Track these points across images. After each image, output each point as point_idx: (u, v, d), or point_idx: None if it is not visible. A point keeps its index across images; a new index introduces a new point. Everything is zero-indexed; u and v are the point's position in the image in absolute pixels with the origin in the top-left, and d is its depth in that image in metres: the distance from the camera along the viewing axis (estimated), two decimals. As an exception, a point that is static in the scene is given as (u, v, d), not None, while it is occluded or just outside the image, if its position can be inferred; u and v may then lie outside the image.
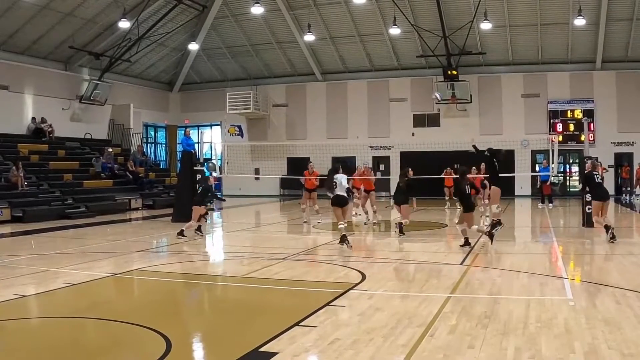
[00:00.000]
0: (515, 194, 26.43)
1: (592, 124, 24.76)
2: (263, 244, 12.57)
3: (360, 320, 5.92)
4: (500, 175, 11.71)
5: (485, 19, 23.54)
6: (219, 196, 15.94)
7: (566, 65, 26.55)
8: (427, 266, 9.30)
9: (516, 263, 9.49)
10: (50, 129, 23.67)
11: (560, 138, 24.69)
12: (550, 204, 20.84)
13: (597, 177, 11.68)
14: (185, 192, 16.88)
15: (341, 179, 11.52)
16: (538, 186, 22.15)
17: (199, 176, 17.04)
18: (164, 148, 33.26)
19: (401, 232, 12.78)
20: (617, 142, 26.19)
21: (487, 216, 15.90)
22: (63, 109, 25.04)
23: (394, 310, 6.29)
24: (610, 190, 25.72)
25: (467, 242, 10.91)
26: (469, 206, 11.09)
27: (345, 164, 14.36)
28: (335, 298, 6.90)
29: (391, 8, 24.43)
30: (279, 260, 9.89)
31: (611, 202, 23.23)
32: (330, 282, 8.27)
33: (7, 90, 22.50)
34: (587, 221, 14.51)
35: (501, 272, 8.59)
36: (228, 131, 31.19)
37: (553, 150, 17.56)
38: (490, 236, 10.96)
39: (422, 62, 27.90)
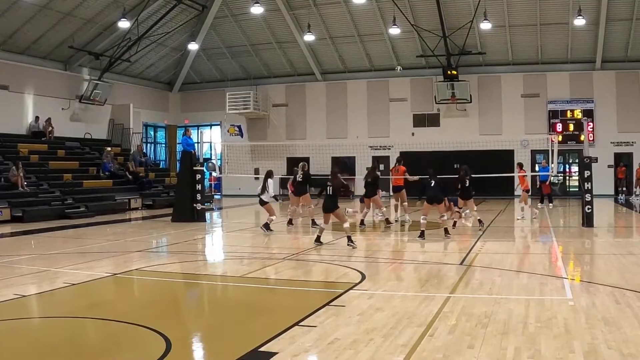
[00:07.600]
0: (516, 194, 26.35)
1: (591, 124, 24.76)
2: (263, 244, 12.57)
3: (360, 320, 5.93)
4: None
5: (485, 19, 23.52)
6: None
7: (566, 65, 26.54)
8: (427, 266, 9.30)
9: (516, 263, 9.50)
10: (50, 128, 23.67)
11: (560, 138, 24.69)
12: (550, 204, 20.86)
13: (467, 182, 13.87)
14: (185, 192, 16.88)
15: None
16: (537, 186, 22.14)
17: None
18: (163, 148, 33.26)
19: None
20: (617, 142, 26.19)
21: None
22: (63, 108, 25.02)
23: (394, 310, 6.29)
24: (609, 190, 25.84)
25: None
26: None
27: (345, 164, 14.39)
28: (335, 298, 6.90)
29: (391, 8, 24.40)
30: (278, 260, 9.90)
31: (610, 202, 23.41)
32: (330, 282, 8.28)
33: (7, 90, 22.49)
34: (587, 221, 14.55)
35: (501, 272, 8.59)
36: (228, 131, 31.19)
37: (553, 150, 17.57)
38: None
39: (422, 62, 27.88)
